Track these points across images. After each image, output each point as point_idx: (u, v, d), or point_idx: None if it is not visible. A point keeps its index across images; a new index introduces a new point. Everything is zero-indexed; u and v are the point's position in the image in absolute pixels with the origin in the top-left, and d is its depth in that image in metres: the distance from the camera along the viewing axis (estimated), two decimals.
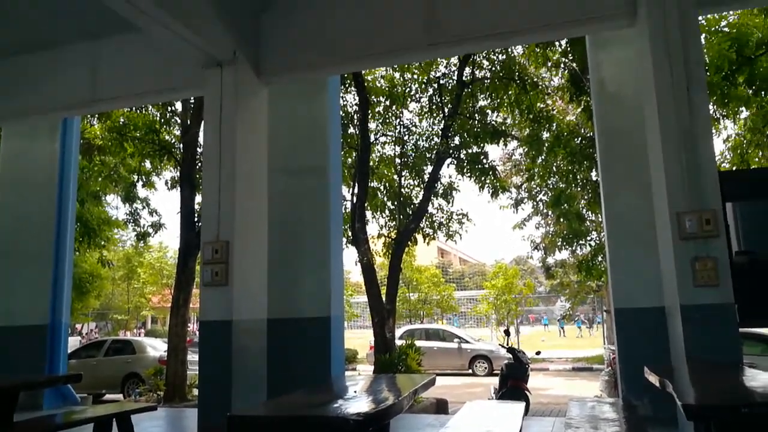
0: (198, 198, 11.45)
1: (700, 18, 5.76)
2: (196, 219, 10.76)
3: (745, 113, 13.29)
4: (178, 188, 11.55)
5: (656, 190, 5.09)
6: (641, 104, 5.36)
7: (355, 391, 3.33)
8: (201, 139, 11.64)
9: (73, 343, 17.09)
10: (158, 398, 10.26)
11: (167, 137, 12.49)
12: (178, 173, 11.82)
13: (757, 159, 14.07)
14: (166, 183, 12.82)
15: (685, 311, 4.42)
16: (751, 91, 10.76)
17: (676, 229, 4.54)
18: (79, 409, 5.28)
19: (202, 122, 7.49)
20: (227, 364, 5.14)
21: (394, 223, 12.11)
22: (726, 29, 9.75)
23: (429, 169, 12.27)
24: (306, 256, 6.45)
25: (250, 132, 5.80)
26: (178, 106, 11.84)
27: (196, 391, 10.80)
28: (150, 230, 12.82)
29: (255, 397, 5.31)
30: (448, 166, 12.44)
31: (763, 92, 10.68)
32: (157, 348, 13.19)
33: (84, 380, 5.08)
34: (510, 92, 12.03)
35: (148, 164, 12.86)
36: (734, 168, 13.41)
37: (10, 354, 7.27)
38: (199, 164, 11.64)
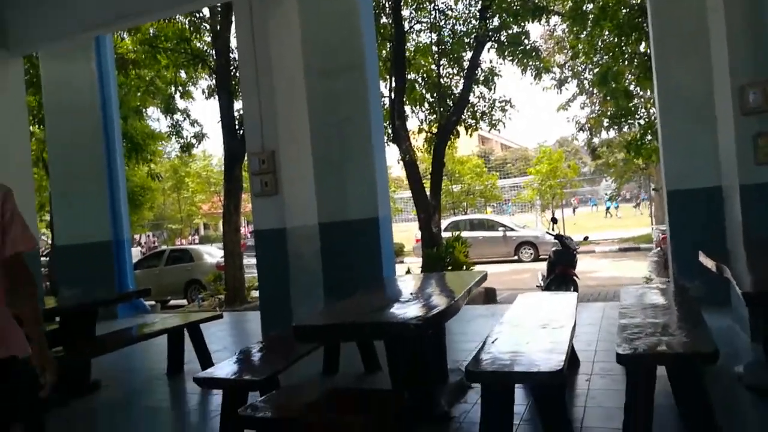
0: (237, 105, 11.40)
1: None
2: (237, 127, 10.78)
3: None
4: (216, 97, 11.50)
5: (716, 60, 4.76)
6: None
7: (411, 293, 3.43)
8: (233, 44, 11.38)
9: (135, 253, 18.05)
10: (220, 302, 10.88)
11: (198, 45, 12.28)
12: (214, 81, 11.71)
13: None
14: (203, 92, 12.77)
15: (745, 191, 4.28)
16: None
17: (738, 103, 4.29)
18: (151, 320, 5.67)
19: (233, 28, 7.24)
20: (284, 270, 5.35)
21: (434, 116, 11.84)
22: None
23: (468, 55, 11.74)
24: (350, 158, 6.43)
25: (282, 34, 5.61)
26: (206, 12, 11.49)
27: (255, 293, 11.41)
28: (193, 141, 12.99)
29: (313, 298, 5.55)
30: (488, 51, 11.87)
31: None
32: (213, 255, 13.79)
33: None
34: None
35: (183, 74, 12.76)
36: None
37: (81, 269, 7.77)
38: (234, 70, 11.48)
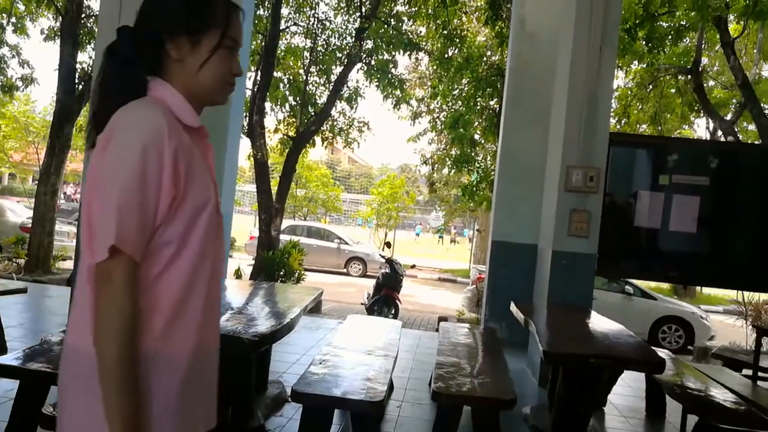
0: (81, 57, 10.33)
1: None
2: (77, 81, 9.75)
3: (634, 66, 14.20)
4: (57, 42, 10.31)
5: (553, 139, 5.40)
6: (556, 52, 5.54)
7: (245, 304, 3.39)
8: None
9: None
10: (18, 268, 9.66)
11: None
12: (59, 24, 10.50)
13: (636, 111, 15.26)
14: (42, 32, 11.36)
15: (556, 256, 4.88)
16: (647, 48, 11.43)
17: (564, 181, 4.90)
18: None
19: None
20: None
21: (294, 119, 11.79)
22: None
23: (337, 70, 11.91)
24: None
25: None
26: None
27: (61, 264, 10.32)
28: (19, 83, 11.45)
29: None
30: (357, 71, 12.16)
31: (656, 50, 11.39)
32: (17, 213, 12.19)
33: None
34: (429, 2, 11.80)
35: (21, 6, 11.26)
36: (617, 118, 14.48)
37: None
38: (84, 18, 10.41)
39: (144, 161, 1.06)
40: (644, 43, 11.20)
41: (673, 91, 14.74)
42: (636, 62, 13.57)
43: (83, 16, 10.28)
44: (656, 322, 10.12)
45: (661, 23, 11.22)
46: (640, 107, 15.35)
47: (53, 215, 9.90)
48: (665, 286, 16.88)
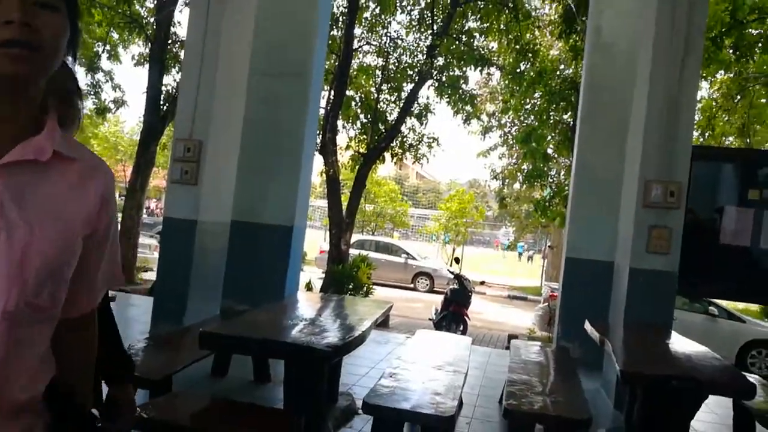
0: (166, 80, 10.99)
1: None
2: (162, 102, 10.37)
3: (720, 76, 13.50)
4: (146, 66, 11.01)
5: (630, 152, 5.22)
6: (634, 62, 5.37)
7: (319, 316, 3.47)
8: (175, 19, 11.04)
9: None
10: None
11: (138, 8, 11.74)
12: (148, 50, 11.22)
13: (721, 123, 14.48)
14: (133, 58, 12.16)
15: (634, 274, 4.69)
16: (734, 57, 10.86)
17: (642, 196, 4.72)
18: None
19: (187, 7, 7.01)
20: (187, 263, 5.18)
21: (364, 136, 11.99)
22: None
23: (408, 87, 12.04)
24: (278, 162, 6.39)
25: (236, 26, 5.52)
26: None
27: (144, 275, 10.91)
28: (111, 105, 12.30)
29: (211, 298, 5.40)
30: (428, 88, 12.25)
31: (745, 59, 10.79)
32: None
33: None
34: (501, 18, 11.75)
35: (115, 35, 12.12)
36: (700, 130, 13.79)
37: None
38: (171, 44, 11.09)
39: None
40: (731, 51, 10.66)
41: (763, 101, 13.90)
42: (722, 72, 12.92)
43: (170, 42, 10.96)
44: (745, 346, 9.47)
45: (750, 30, 10.66)
46: (726, 119, 14.56)
47: (138, 229, 10.50)
48: (754, 307, 15.79)
